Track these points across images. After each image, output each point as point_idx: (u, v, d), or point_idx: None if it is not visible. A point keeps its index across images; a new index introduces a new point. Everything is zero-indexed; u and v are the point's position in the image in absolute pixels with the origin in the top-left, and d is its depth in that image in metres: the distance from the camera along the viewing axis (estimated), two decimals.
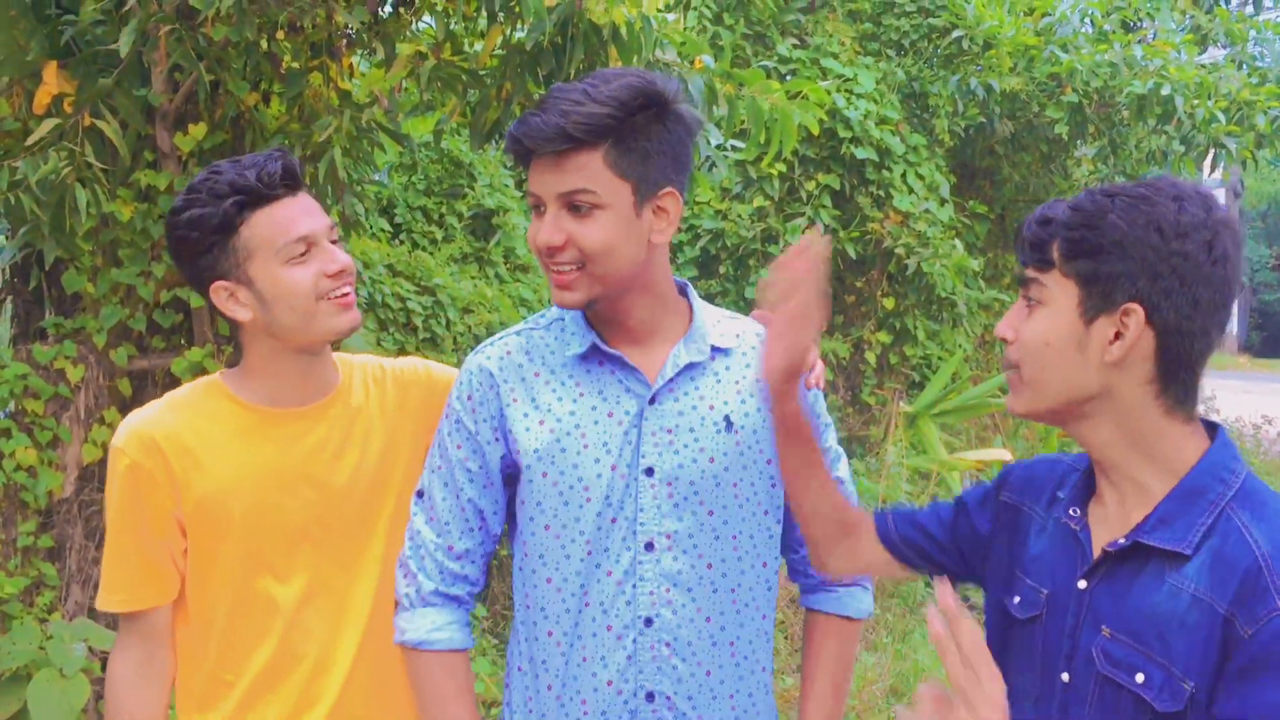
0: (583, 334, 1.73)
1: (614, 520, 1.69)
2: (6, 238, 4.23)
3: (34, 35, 3.72)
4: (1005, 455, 7.36)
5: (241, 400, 1.81)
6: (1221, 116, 7.86)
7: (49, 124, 3.51)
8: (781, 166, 7.15)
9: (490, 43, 3.73)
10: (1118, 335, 1.38)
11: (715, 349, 1.76)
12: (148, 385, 4.20)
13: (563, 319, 1.77)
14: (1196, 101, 7.77)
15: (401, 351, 4.82)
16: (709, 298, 7.74)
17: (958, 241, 7.71)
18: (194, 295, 4.03)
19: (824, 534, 1.74)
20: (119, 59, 3.59)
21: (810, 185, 7.41)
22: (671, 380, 1.72)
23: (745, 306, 7.55)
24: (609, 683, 1.70)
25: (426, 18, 3.95)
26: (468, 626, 1.81)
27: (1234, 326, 32.65)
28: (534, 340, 1.77)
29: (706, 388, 1.74)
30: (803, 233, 7.28)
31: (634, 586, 1.70)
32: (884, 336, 7.75)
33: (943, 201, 7.72)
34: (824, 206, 7.39)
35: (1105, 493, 1.48)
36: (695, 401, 1.73)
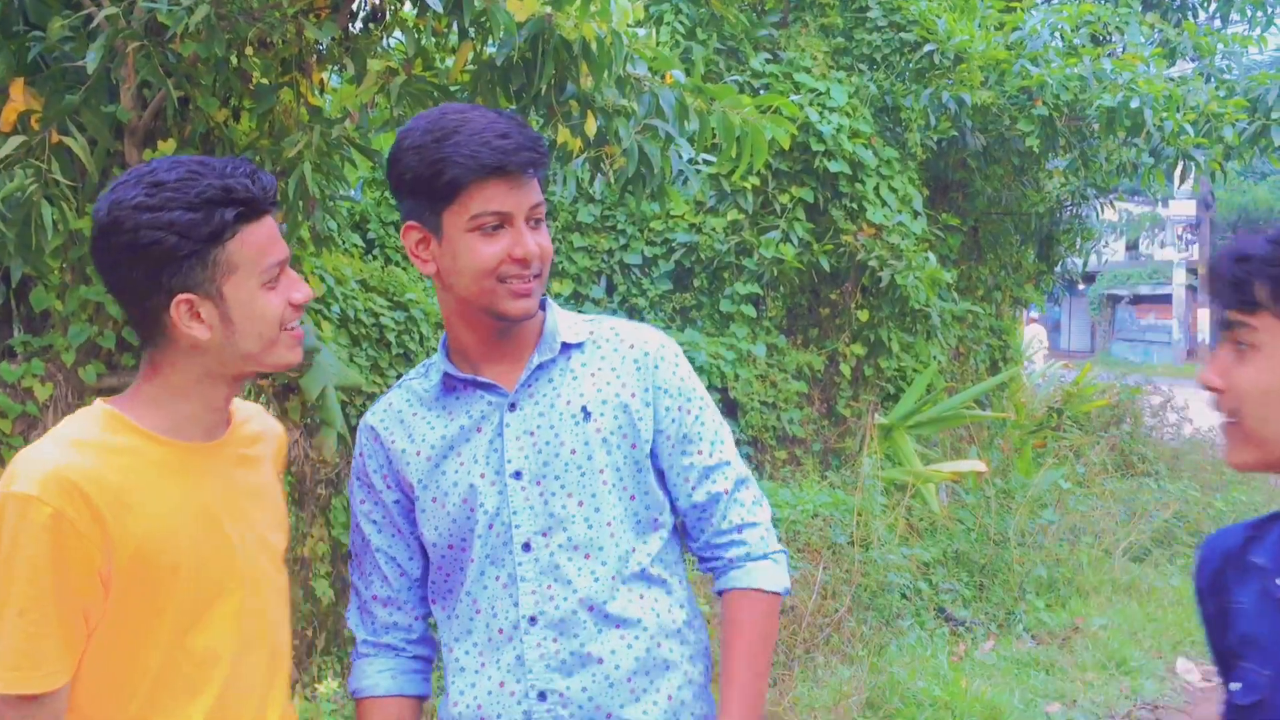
0: (439, 366, 1.83)
1: (491, 526, 1.75)
2: None
3: (0, 52, 3.70)
4: (980, 466, 7.39)
5: (150, 432, 1.62)
6: (1190, 129, 7.93)
7: (15, 141, 3.48)
8: (755, 180, 7.17)
9: (461, 59, 3.73)
10: None
11: (566, 345, 1.82)
12: None
13: (434, 362, 1.86)
14: (1165, 114, 7.83)
15: (375, 367, 4.80)
16: (683, 311, 7.75)
17: (931, 254, 7.74)
18: None
19: None
20: (86, 75, 3.57)
21: (784, 198, 7.43)
22: (528, 384, 1.79)
23: (720, 320, 7.56)
24: (501, 684, 1.75)
25: (397, 34, 3.95)
26: (409, 674, 1.89)
27: (1206, 337, 32.91)
28: (411, 387, 1.87)
29: (563, 385, 1.80)
30: (776, 246, 7.31)
31: (516, 588, 1.75)
32: (858, 349, 7.77)
33: (916, 214, 7.76)
34: (798, 219, 7.41)
35: None
36: (554, 400, 1.79)
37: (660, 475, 1.84)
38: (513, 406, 1.78)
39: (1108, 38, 9.36)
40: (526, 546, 1.74)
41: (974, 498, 7.38)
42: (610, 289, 7.91)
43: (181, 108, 3.88)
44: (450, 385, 1.81)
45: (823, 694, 4.58)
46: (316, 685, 3.10)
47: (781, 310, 7.68)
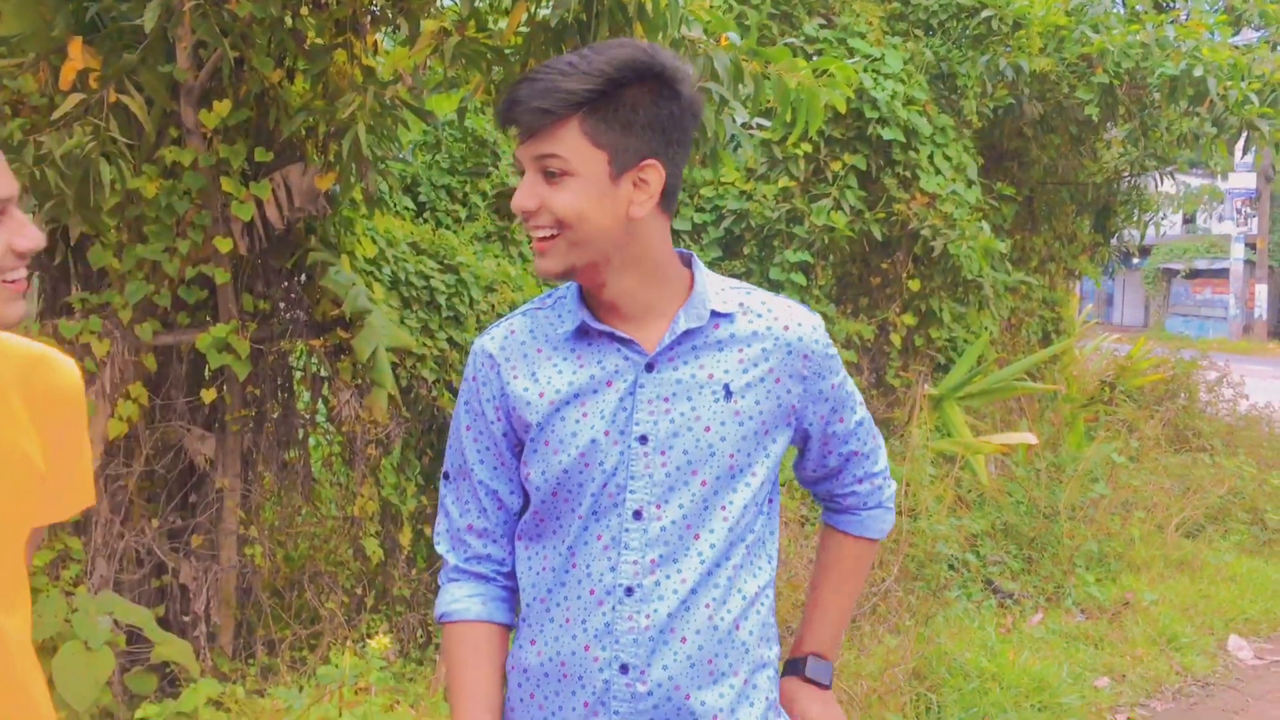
0: (575, 312, 1.74)
1: (605, 486, 1.69)
2: (33, 213, 4.24)
3: (59, 11, 3.73)
4: (1030, 439, 7.31)
5: None
6: (1255, 99, 7.74)
7: (74, 99, 3.52)
8: (807, 147, 7.10)
9: (514, 19, 3.71)
10: None
11: (716, 314, 1.73)
12: (172, 361, 4.23)
13: (564, 297, 1.78)
14: (1229, 83, 7.65)
15: (425, 330, 4.82)
16: (732, 278, 7.70)
17: (985, 223, 7.64)
18: (219, 271, 4.04)
19: None
20: (144, 35, 3.59)
21: (836, 166, 7.35)
22: (671, 349, 1.71)
23: (770, 287, 7.51)
24: (586, 647, 1.71)
25: None
26: (498, 601, 1.82)
27: (1263, 312, 32.30)
28: (538, 319, 1.78)
29: (707, 356, 1.72)
30: (827, 214, 7.25)
31: (619, 554, 1.69)
32: (909, 319, 7.70)
33: (970, 183, 7.65)
34: (849, 187, 7.33)
35: None
36: (695, 370, 1.71)
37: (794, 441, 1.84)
38: (650, 367, 1.70)
39: (1171, 4, 9.16)
40: (638, 514, 1.68)
41: (1024, 470, 7.30)
42: None
43: (237, 68, 3.90)
44: (584, 332, 1.74)
45: (869, 662, 4.56)
46: (367, 640, 3.13)
47: (832, 279, 7.62)
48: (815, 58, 6.69)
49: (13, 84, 3.73)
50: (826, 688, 1.94)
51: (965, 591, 5.92)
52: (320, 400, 4.66)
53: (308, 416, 4.70)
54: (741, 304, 1.77)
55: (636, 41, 1.71)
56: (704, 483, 1.69)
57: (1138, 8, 8.44)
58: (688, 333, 1.71)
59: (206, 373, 4.26)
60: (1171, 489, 7.85)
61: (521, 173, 1.67)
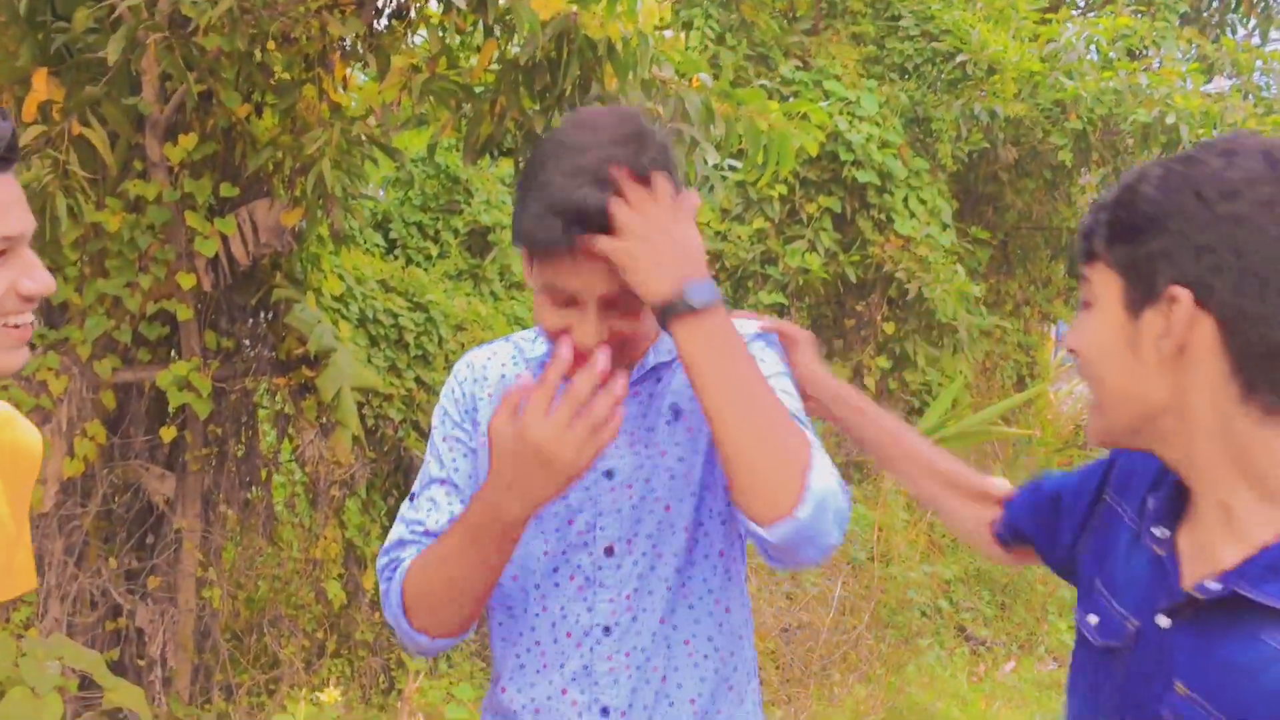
0: (544, 341, 1.68)
1: (571, 523, 1.63)
2: None
3: (24, 41, 3.68)
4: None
5: None
6: None
7: (34, 130, 3.46)
8: (782, 188, 7.10)
9: (485, 57, 3.69)
10: (1167, 328, 1.14)
11: None
12: (132, 398, 4.15)
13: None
14: (1202, 130, 7.71)
15: (392, 369, 4.75)
16: None
17: (959, 267, 7.65)
18: (182, 307, 3.97)
19: (933, 496, 1.68)
20: (109, 67, 3.54)
21: (811, 208, 7.36)
22: (636, 384, 1.65)
23: None
24: (564, 691, 1.64)
25: (421, 31, 3.91)
26: None
27: None
28: (522, 346, 1.74)
29: (665, 385, 1.67)
30: (802, 256, 7.23)
31: (594, 593, 1.63)
32: (883, 362, 7.69)
33: (945, 226, 7.67)
34: (824, 229, 7.33)
35: (1198, 515, 1.22)
36: (656, 401, 1.66)
37: None
38: None
39: (1144, 52, 9.25)
40: (609, 551, 1.63)
41: None
42: None
43: (203, 102, 3.85)
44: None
45: (838, 713, 4.49)
46: (320, 692, 3.06)
47: (806, 321, 7.60)
48: (791, 99, 6.70)
49: None
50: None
51: (937, 639, 5.86)
52: (284, 439, 4.59)
53: (271, 456, 4.62)
54: None
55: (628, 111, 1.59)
56: (668, 507, 1.63)
57: (1111, 55, 8.52)
58: (655, 368, 1.67)
59: (168, 410, 4.18)
60: None
61: (567, 303, 1.50)
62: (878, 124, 7.40)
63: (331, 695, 3.09)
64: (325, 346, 4.09)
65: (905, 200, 7.46)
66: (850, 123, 7.22)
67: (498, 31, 3.70)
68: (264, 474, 4.58)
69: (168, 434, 4.08)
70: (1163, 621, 1.19)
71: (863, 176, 7.24)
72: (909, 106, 7.91)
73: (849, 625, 5.10)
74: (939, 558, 6.60)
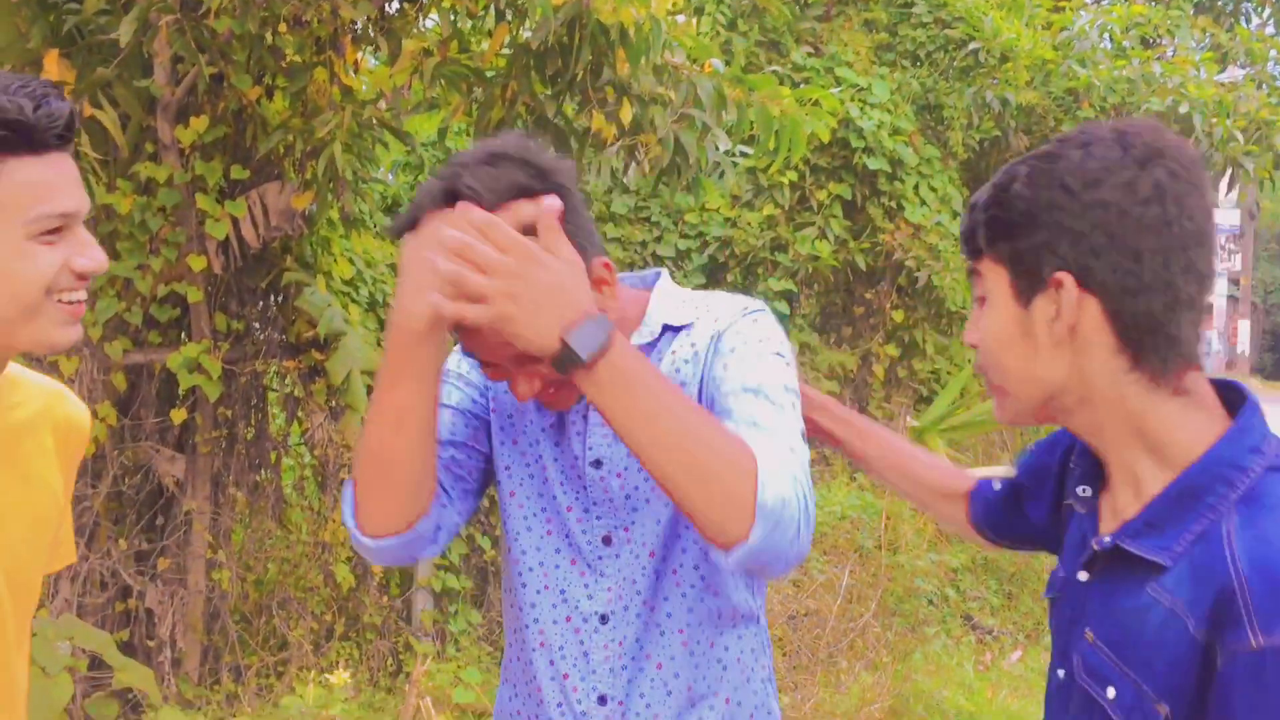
0: None
1: (570, 509, 1.62)
2: None
3: (36, 23, 3.68)
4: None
5: None
6: (1240, 136, 7.77)
7: None
8: (793, 175, 7.08)
9: (496, 41, 3.68)
10: (1058, 313, 1.23)
11: (668, 327, 1.63)
12: (143, 380, 4.15)
13: None
14: (1215, 120, 7.67)
15: None
16: None
17: None
18: (192, 290, 3.98)
19: (922, 504, 1.71)
20: (120, 49, 3.54)
21: (821, 194, 7.34)
22: None
23: None
24: (565, 676, 1.64)
25: (433, 15, 3.90)
26: None
27: (1246, 348, 32.48)
28: None
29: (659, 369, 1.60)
30: (812, 243, 7.21)
31: (596, 581, 1.62)
32: (892, 349, 7.67)
33: (955, 214, 7.65)
34: (834, 216, 7.31)
35: (1112, 477, 1.31)
36: None
37: None
38: None
39: (1158, 40, 9.20)
40: (607, 541, 1.61)
41: None
42: None
43: (214, 84, 3.85)
44: None
45: (845, 700, 4.50)
46: (329, 674, 3.06)
47: (815, 308, 7.59)
48: (802, 86, 6.68)
49: None
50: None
51: (944, 627, 5.86)
52: (293, 422, 4.59)
53: (280, 439, 4.63)
54: (702, 309, 1.65)
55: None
56: (658, 499, 1.60)
57: (1124, 43, 8.47)
58: (639, 349, 1.59)
59: (178, 392, 4.19)
60: None
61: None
62: (889, 111, 7.38)
63: (340, 677, 3.10)
64: (335, 330, 4.10)
65: (916, 188, 7.44)
66: (861, 109, 7.20)
67: (509, 15, 3.69)
68: (273, 457, 4.59)
69: (178, 416, 4.09)
70: (1081, 575, 1.31)
71: (873, 164, 7.22)
72: (921, 93, 7.88)
73: (856, 613, 5.10)
74: (946, 546, 6.60)
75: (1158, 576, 1.19)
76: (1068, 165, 1.22)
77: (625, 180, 6.62)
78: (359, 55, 4.07)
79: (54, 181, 1.26)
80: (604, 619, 1.62)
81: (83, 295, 1.31)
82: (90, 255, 1.29)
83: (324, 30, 3.83)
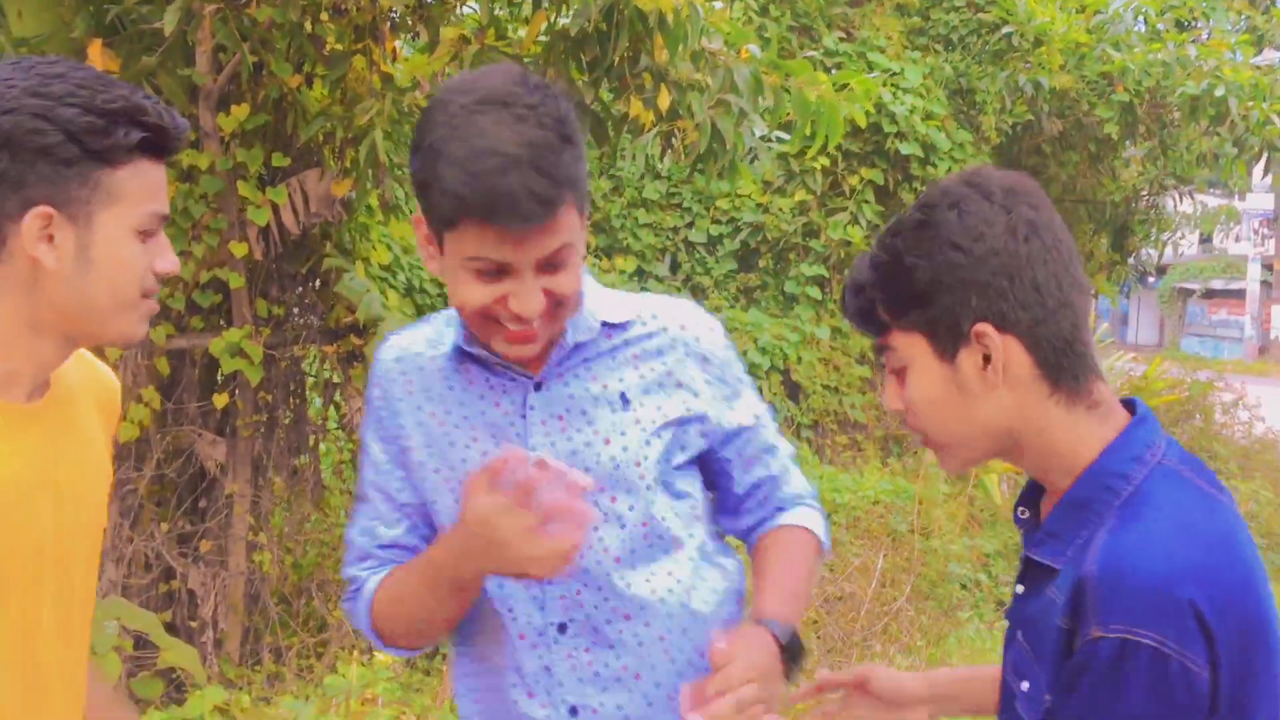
0: (455, 332, 1.59)
1: None
2: None
3: (79, 13, 3.73)
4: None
5: None
6: (1277, 119, 7.70)
7: None
8: (825, 160, 7.08)
9: (534, 28, 3.70)
10: (986, 360, 1.30)
11: (607, 325, 1.61)
12: (185, 365, 4.21)
13: (438, 321, 1.65)
14: (1251, 103, 7.61)
15: None
16: (747, 291, 7.68)
17: None
18: (234, 276, 4.03)
19: None
20: (163, 38, 3.59)
21: (853, 180, 7.33)
22: (560, 364, 1.58)
23: (785, 300, 7.49)
24: (529, 694, 1.58)
25: (470, 3, 3.92)
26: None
27: (1279, 334, 32.14)
28: (439, 330, 1.64)
29: (599, 367, 1.60)
30: (843, 228, 7.21)
31: (543, 590, 1.56)
32: None
33: None
34: (866, 202, 7.30)
35: (1047, 495, 1.41)
36: (588, 383, 1.59)
37: (701, 463, 1.68)
38: (539, 386, 1.57)
39: (1193, 23, 9.12)
40: None
41: None
42: (675, 267, 7.86)
43: (255, 72, 3.89)
44: (463, 354, 1.59)
45: None
46: (374, 650, 3.11)
47: None
48: (834, 71, 6.67)
49: None
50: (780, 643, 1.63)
51: (977, 612, 5.87)
52: (332, 407, 4.64)
53: (319, 423, 4.68)
54: (636, 312, 1.64)
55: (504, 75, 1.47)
56: (613, 499, 1.56)
57: (1159, 26, 8.41)
58: (578, 346, 1.59)
59: (219, 377, 4.25)
60: None
61: (498, 270, 1.42)
62: (921, 96, 7.36)
63: (386, 656, 3.14)
64: (373, 315, 4.14)
65: (948, 172, 7.41)
66: (894, 95, 7.18)
67: (547, 2, 3.71)
68: (312, 441, 4.65)
69: (220, 400, 4.15)
70: (1019, 588, 1.41)
71: (906, 148, 7.20)
72: (953, 78, 7.85)
73: (890, 597, 5.12)
74: (978, 531, 6.60)
75: (1054, 579, 1.29)
76: (949, 228, 1.30)
77: (660, 167, 6.62)
78: (397, 43, 4.10)
79: (162, 185, 1.36)
80: (562, 628, 1.57)
81: (156, 295, 1.39)
82: (169, 258, 1.37)
83: (363, 18, 3.87)
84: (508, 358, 1.53)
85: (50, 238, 1.27)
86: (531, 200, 1.35)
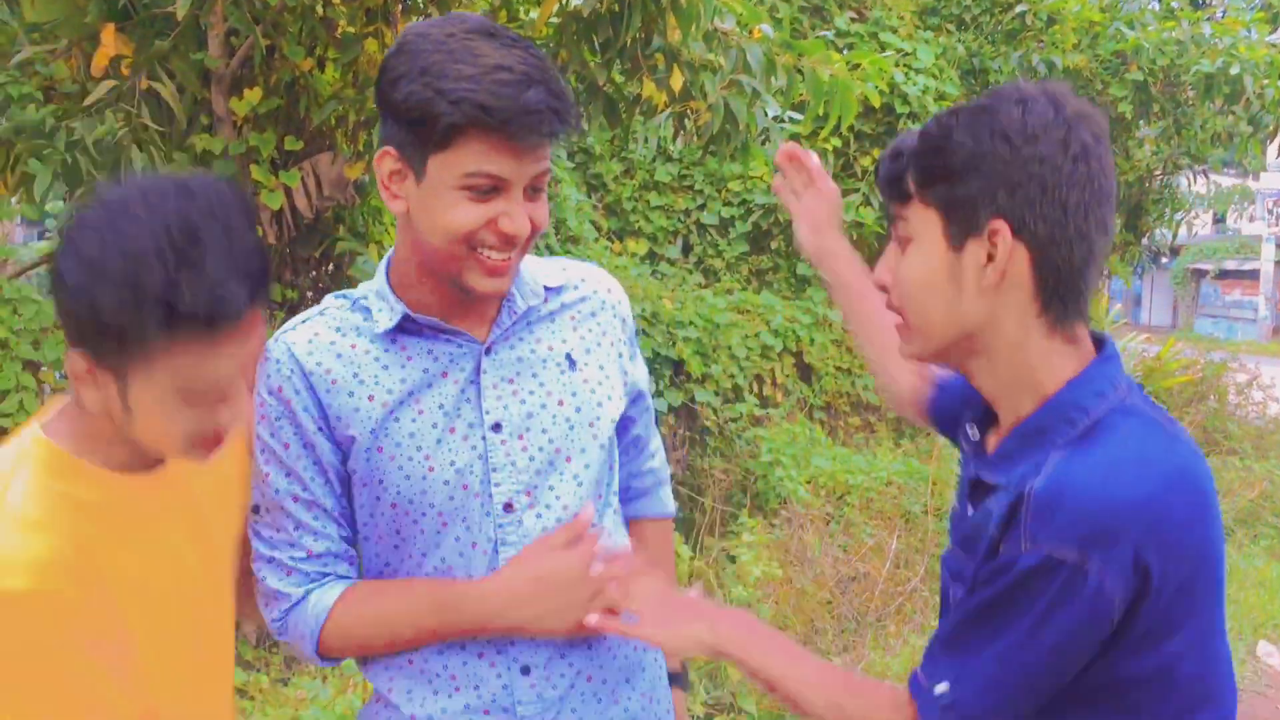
0: (393, 308, 1.55)
1: (465, 487, 1.53)
2: (64, 199, 4.25)
3: None
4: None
5: (66, 453, 1.31)
6: None
7: (106, 85, 3.52)
8: (837, 141, 7.06)
9: (546, 9, 3.69)
10: (989, 258, 1.29)
11: (547, 289, 1.64)
12: None
13: (363, 297, 1.59)
14: (1266, 81, 7.56)
15: None
16: (759, 273, 7.67)
17: None
18: None
19: (876, 357, 1.79)
20: (176, 22, 3.59)
21: (865, 161, 7.31)
22: (509, 328, 1.58)
23: (797, 282, 7.48)
24: (480, 655, 1.56)
25: None
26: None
27: None
28: (339, 318, 1.58)
29: (542, 329, 1.62)
30: (855, 210, 7.19)
31: (496, 554, 1.54)
32: None
33: None
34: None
35: (1000, 417, 1.41)
36: (533, 345, 1.60)
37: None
38: (489, 351, 1.56)
39: (1207, 1, 9.06)
40: (508, 507, 1.54)
41: None
42: (686, 249, 7.85)
43: (268, 56, 3.89)
44: (403, 328, 1.55)
45: (894, 662, 4.53)
46: None
47: None
48: (846, 51, 6.65)
49: (45, 70, 3.73)
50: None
51: None
52: None
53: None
54: (566, 276, 1.68)
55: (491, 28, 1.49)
56: (569, 459, 1.58)
57: (1173, 4, 8.36)
58: (525, 311, 1.60)
59: None
60: None
61: (489, 190, 1.43)
62: (934, 76, 7.32)
63: None
64: None
65: None
66: (907, 75, 7.15)
67: None
68: None
69: None
70: (969, 510, 1.41)
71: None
72: (966, 58, 7.81)
73: (903, 577, 5.12)
74: None
75: (995, 493, 1.32)
76: (1007, 119, 1.28)
77: (671, 148, 6.61)
78: (410, 25, 4.09)
79: (223, 361, 1.30)
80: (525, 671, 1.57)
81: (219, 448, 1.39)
82: (231, 411, 1.36)
83: (375, 1, 3.87)
84: (479, 293, 1.49)
85: (92, 377, 1.26)
86: (551, 114, 1.39)
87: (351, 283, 4.29)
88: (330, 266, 4.46)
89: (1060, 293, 1.31)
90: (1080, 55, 7.83)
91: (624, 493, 1.81)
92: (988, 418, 1.44)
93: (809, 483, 5.54)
